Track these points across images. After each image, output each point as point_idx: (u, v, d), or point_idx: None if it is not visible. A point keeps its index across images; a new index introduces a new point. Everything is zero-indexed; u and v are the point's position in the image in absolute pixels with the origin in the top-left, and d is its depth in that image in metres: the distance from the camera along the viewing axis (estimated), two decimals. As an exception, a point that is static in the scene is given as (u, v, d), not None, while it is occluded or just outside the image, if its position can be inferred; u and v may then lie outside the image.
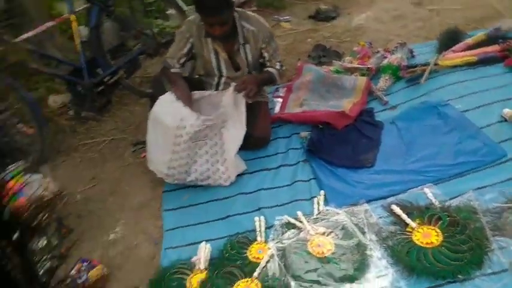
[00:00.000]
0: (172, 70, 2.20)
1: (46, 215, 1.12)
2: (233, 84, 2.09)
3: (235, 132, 2.04)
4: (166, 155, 1.97)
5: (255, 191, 2.01)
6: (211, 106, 2.13)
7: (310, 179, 1.99)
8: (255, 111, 2.22)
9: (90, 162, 2.52)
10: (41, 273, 1.14)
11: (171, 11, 3.60)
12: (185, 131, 1.93)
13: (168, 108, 2.00)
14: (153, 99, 2.38)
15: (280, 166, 2.13)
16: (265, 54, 2.24)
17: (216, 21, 1.99)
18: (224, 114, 2.02)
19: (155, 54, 2.94)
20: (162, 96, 2.05)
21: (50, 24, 2.60)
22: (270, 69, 2.26)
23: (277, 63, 2.28)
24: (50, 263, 1.17)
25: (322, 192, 1.87)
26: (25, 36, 2.43)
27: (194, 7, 2.04)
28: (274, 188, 2.01)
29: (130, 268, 1.80)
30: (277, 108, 2.53)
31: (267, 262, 1.60)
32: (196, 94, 2.17)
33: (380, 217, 1.66)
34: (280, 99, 2.57)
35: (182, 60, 2.22)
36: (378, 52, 2.71)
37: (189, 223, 1.94)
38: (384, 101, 2.35)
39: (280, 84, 2.64)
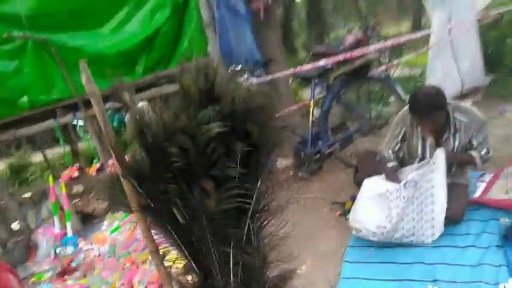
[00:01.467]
0: (389, 164, 2.48)
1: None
2: (440, 151, 2.22)
3: (443, 197, 2.19)
4: (376, 218, 2.26)
5: (435, 263, 2.05)
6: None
7: (501, 265, 1.88)
8: (452, 192, 2.28)
9: (294, 212, 3.06)
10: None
11: (392, 99, 4.05)
12: (388, 191, 2.25)
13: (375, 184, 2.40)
14: (357, 170, 2.82)
15: (468, 246, 2.09)
16: (474, 142, 2.30)
17: (428, 123, 2.25)
18: (430, 175, 2.19)
19: (368, 133, 3.40)
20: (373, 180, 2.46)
21: (294, 107, 3.51)
22: (473, 153, 2.30)
23: (484, 150, 2.29)
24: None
25: (510, 280, 1.75)
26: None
27: (410, 111, 2.29)
28: (456, 265, 2.00)
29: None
30: (478, 193, 2.47)
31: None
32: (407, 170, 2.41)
33: None
34: (484, 184, 2.50)
35: (396, 148, 2.50)
36: None
37: (365, 277, 2.15)
38: None
39: (486, 170, 2.58)
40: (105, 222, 3.92)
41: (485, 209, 2.29)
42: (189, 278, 1.25)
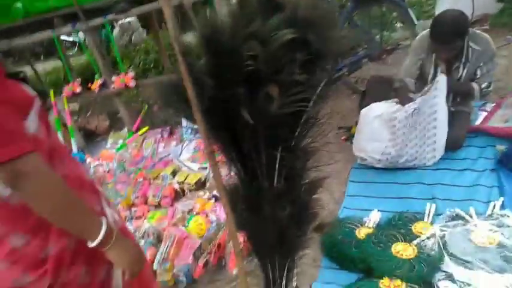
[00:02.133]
0: (410, 94, 2.47)
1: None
2: (442, 77, 2.28)
3: (445, 121, 2.31)
4: (382, 143, 2.38)
5: (433, 184, 2.25)
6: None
7: (493, 186, 2.09)
8: (455, 119, 2.40)
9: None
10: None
11: (399, 24, 3.99)
12: (397, 119, 2.33)
13: (381, 108, 2.45)
14: (363, 97, 2.87)
15: (465, 169, 2.28)
16: (478, 72, 2.35)
17: (447, 50, 2.26)
18: (433, 101, 2.27)
19: (377, 59, 3.40)
20: (377, 103, 2.50)
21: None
22: (474, 84, 2.37)
23: (485, 83, 2.35)
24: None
25: (501, 198, 1.96)
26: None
27: (430, 36, 2.28)
28: (453, 185, 2.20)
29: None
30: (479, 120, 2.60)
31: (428, 238, 1.87)
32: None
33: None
34: (485, 113, 2.63)
35: (416, 75, 2.51)
36: None
37: (368, 194, 2.35)
38: None
39: (488, 100, 2.68)
40: (110, 141, 4.01)
41: (484, 136, 2.43)
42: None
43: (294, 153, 1.24)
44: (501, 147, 2.29)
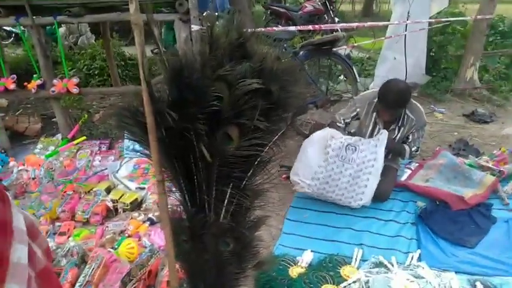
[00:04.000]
0: (338, 124, 2.78)
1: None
2: (385, 131, 2.54)
3: (379, 172, 2.49)
4: (314, 167, 2.53)
5: (362, 230, 2.43)
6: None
7: (412, 239, 2.32)
8: (384, 173, 2.65)
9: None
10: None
11: (343, 78, 4.34)
12: (331, 147, 2.52)
13: (321, 133, 2.64)
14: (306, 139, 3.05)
15: (390, 220, 2.51)
16: (410, 137, 2.67)
17: (391, 114, 2.56)
18: (374, 149, 2.48)
19: (321, 106, 3.65)
20: (318, 132, 2.68)
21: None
22: (405, 146, 2.69)
23: (415, 147, 2.69)
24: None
25: (418, 250, 2.19)
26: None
27: (378, 99, 2.57)
28: (379, 234, 2.40)
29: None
30: (404, 177, 2.90)
31: (354, 282, 2.01)
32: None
33: None
34: (410, 171, 2.95)
35: (347, 121, 2.79)
36: (515, 162, 2.85)
37: (302, 234, 2.46)
38: (506, 202, 2.52)
39: (413, 160, 3.02)
40: (39, 145, 3.73)
41: (407, 192, 2.73)
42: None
43: (244, 192, 1.29)
44: (421, 203, 2.58)
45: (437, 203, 2.55)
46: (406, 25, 4.25)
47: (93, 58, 5.47)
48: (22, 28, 3.97)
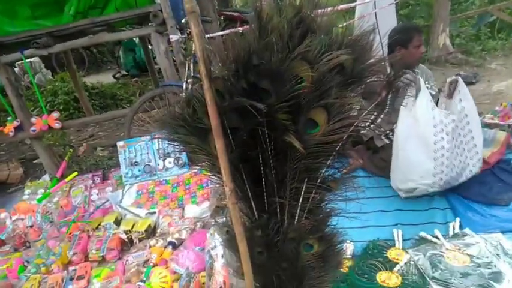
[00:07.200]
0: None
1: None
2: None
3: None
4: (428, 164, 2.11)
5: (392, 210, 2.38)
6: None
7: (446, 208, 2.29)
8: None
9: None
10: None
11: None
12: (444, 132, 2.10)
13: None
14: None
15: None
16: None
17: (421, 39, 2.57)
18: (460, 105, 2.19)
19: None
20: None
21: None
22: None
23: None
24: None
25: (457, 219, 2.16)
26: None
27: (403, 40, 2.55)
28: (410, 210, 2.35)
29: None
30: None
31: (405, 263, 1.95)
32: None
33: (514, 246, 1.89)
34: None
35: None
36: (520, 113, 2.91)
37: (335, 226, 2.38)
38: (523, 155, 2.53)
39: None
40: (27, 191, 3.46)
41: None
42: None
43: (323, 184, 1.16)
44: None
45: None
46: (375, 2, 4.27)
47: (55, 94, 5.23)
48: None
